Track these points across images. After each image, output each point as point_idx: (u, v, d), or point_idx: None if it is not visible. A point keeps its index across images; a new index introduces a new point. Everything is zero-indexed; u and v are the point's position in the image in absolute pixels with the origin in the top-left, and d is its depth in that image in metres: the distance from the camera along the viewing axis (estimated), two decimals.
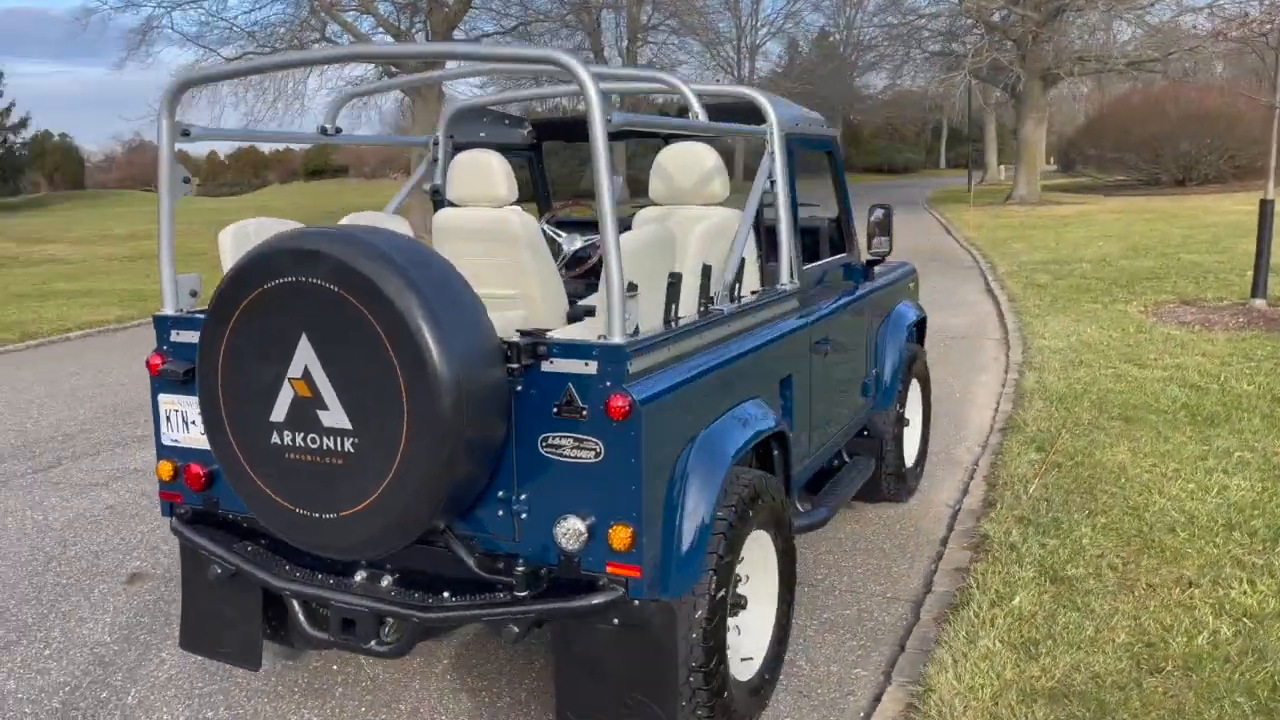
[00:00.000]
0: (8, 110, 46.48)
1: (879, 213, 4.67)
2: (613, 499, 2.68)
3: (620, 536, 2.67)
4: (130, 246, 24.58)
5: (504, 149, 5.03)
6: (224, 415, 2.74)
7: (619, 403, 2.62)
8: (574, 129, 4.57)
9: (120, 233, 28.94)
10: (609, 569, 2.72)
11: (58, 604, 4.42)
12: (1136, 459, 5.53)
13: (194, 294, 3.34)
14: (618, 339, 2.65)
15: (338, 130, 3.79)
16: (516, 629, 2.81)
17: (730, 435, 3.13)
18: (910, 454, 5.41)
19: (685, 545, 2.86)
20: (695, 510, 2.89)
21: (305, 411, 2.61)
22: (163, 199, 3.16)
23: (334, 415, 2.58)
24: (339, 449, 2.59)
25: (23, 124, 48.25)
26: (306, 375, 2.59)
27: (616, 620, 2.79)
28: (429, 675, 3.69)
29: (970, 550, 4.54)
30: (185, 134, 3.20)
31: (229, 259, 3.25)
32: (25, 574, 4.77)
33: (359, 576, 3.02)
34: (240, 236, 3.37)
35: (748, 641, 3.38)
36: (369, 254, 2.48)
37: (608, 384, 2.65)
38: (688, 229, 3.36)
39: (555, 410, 2.71)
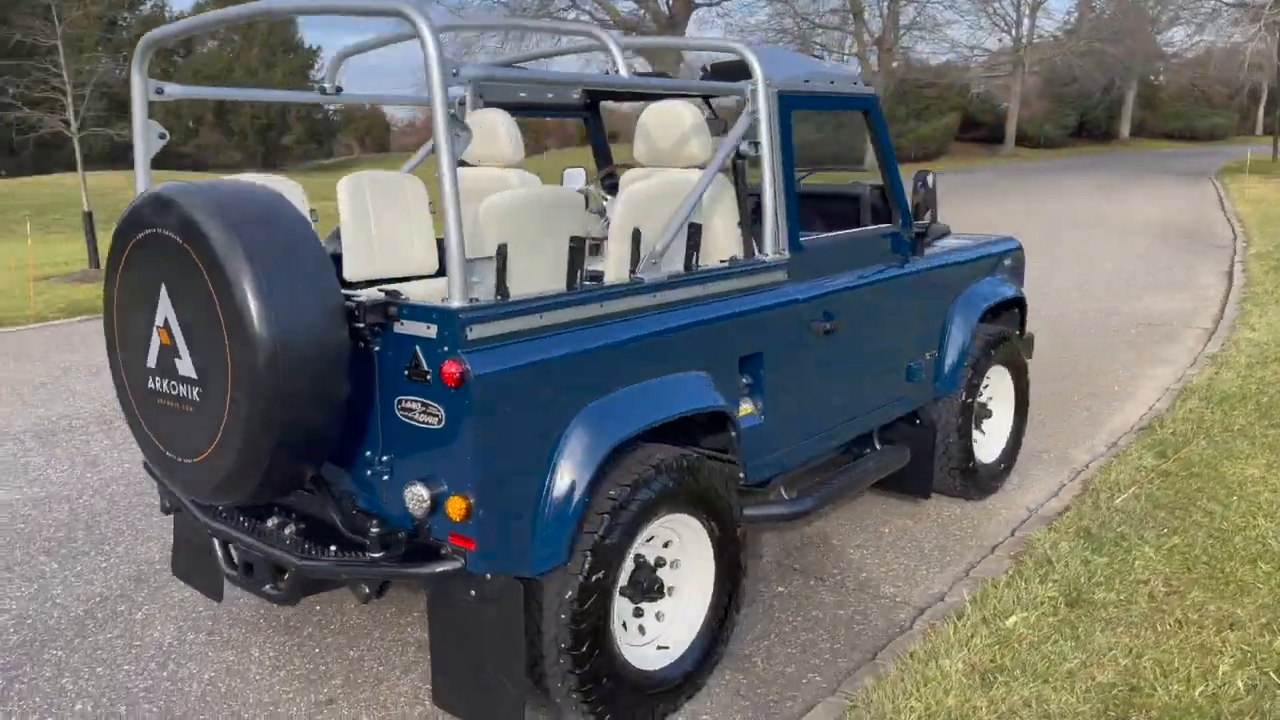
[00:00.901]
0: (322, 79, 51.44)
1: (929, 177, 4.22)
2: (452, 468, 2.62)
3: (456, 507, 2.60)
4: None
5: (552, 110, 4.97)
6: (119, 359, 2.90)
7: (451, 369, 2.54)
8: (629, 90, 4.44)
9: None
10: (450, 539, 2.66)
11: (136, 523, 4.90)
12: (1268, 474, 4.71)
13: None
14: (455, 303, 2.56)
15: (339, 90, 3.87)
16: (367, 588, 2.82)
17: (632, 411, 2.95)
18: (991, 449, 4.89)
19: (549, 522, 2.75)
20: (566, 486, 2.76)
21: (168, 359, 2.72)
22: (138, 154, 3.36)
23: (185, 364, 2.67)
24: (190, 397, 2.68)
25: (337, 92, 52.98)
26: (167, 325, 2.70)
27: (473, 593, 2.73)
28: (392, 626, 3.78)
29: (1013, 560, 4.05)
30: (159, 91, 3.38)
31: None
32: (131, 494, 5.32)
33: (270, 522, 3.11)
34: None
35: (670, 630, 3.21)
36: (205, 208, 2.53)
37: (445, 349, 2.57)
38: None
39: (406, 373, 2.67)
